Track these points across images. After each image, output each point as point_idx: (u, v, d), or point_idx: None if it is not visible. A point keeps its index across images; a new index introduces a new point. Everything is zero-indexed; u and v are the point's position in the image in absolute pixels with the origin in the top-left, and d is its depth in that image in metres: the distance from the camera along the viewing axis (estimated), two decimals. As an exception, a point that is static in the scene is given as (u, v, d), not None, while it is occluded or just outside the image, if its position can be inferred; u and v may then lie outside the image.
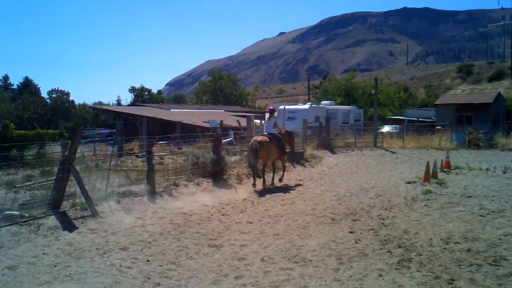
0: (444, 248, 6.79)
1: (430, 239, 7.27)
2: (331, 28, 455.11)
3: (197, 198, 10.91)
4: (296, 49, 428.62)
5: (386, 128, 37.18)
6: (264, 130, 14.50)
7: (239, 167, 14.68)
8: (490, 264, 6.08)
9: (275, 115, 15.52)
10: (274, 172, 14.42)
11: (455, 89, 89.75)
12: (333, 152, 23.45)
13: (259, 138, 13.56)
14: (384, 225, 8.29)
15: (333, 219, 8.88)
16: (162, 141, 21.30)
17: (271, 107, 16.04)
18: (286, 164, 15.44)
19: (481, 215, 8.82)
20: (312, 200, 10.98)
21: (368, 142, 27.76)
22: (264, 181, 13.53)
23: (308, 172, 16.50)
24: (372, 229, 8.03)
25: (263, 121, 19.62)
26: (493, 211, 9.13)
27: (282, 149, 14.07)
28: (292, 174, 15.65)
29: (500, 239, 7.21)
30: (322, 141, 24.86)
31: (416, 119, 45.53)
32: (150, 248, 7.17)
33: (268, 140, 13.53)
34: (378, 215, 9.07)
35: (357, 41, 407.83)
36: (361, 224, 8.42)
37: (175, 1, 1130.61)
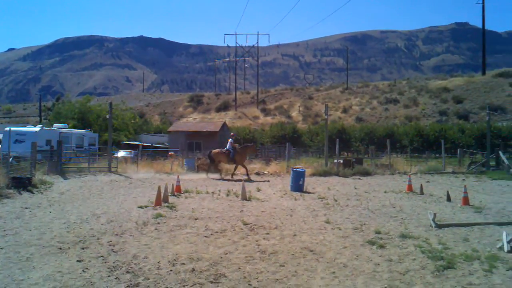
0: (171, 270, 7.06)
1: (158, 262, 7.47)
2: (67, 49, 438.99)
3: None
4: (28, 67, 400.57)
5: (121, 153, 37.02)
6: (227, 147, 24.69)
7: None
8: (211, 282, 6.54)
9: (233, 138, 25.85)
10: (234, 170, 24.85)
11: (187, 117, 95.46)
12: (65, 178, 22.28)
13: (216, 150, 25.32)
14: (114, 251, 8.18)
15: (60, 248, 8.38)
16: None
17: (232, 133, 28.38)
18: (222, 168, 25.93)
19: (206, 236, 9.49)
20: (38, 229, 10.16)
21: (102, 167, 27.30)
22: (221, 173, 24.88)
23: (36, 199, 15.24)
24: (102, 256, 7.85)
25: None
26: (216, 232, 9.94)
27: (232, 157, 24.19)
28: (18, 202, 14.26)
29: (221, 257, 7.85)
30: (54, 166, 23.48)
31: (150, 144, 46.62)
32: None
33: (220, 152, 24.85)
34: (108, 242, 8.91)
35: (94, 65, 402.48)
36: (90, 252, 8.15)
37: None
